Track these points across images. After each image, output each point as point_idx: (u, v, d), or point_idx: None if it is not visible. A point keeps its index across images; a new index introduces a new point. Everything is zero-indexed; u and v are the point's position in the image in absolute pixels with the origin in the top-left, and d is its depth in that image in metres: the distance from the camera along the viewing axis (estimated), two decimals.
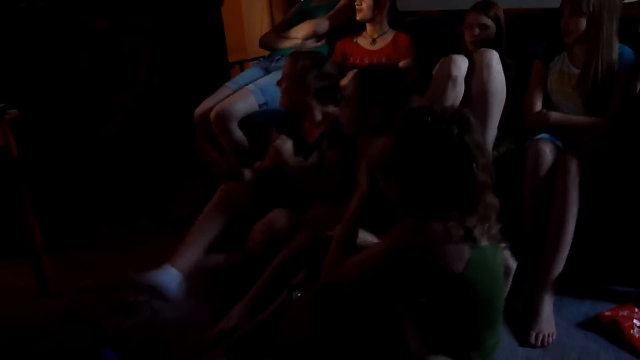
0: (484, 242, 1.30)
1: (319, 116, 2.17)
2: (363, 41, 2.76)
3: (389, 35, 2.72)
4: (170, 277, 1.94)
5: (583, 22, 2.11)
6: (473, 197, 1.28)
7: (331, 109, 2.17)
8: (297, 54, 2.24)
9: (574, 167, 1.95)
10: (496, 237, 1.34)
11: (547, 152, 2.04)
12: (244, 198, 2.11)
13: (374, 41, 2.72)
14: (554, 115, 2.23)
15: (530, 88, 2.32)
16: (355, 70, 2.17)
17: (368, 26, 2.74)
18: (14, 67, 2.49)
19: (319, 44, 2.87)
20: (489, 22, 2.39)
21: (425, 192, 1.29)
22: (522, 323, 1.93)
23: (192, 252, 2.00)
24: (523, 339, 1.89)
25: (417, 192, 1.30)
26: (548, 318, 1.94)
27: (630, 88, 2.06)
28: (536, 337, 1.89)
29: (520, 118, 2.33)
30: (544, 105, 2.28)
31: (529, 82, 2.33)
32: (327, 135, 2.12)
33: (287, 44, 2.88)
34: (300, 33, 2.88)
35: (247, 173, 2.13)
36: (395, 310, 0.85)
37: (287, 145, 2.07)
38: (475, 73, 2.22)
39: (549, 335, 1.90)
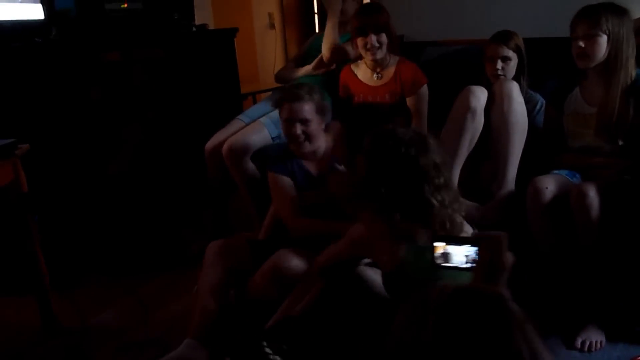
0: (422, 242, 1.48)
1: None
2: (364, 74, 2.68)
3: (392, 65, 2.63)
4: (191, 349, 1.94)
5: (603, 43, 2.03)
6: (428, 214, 1.47)
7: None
8: None
9: (591, 194, 1.94)
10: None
11: (546, 190, 2.04)
12: (240, 255, 2.14)
13: (377, 75, 2.64)
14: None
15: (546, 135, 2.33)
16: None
17: (371, 62, 2.64)
18: (25, 102, 2.53)
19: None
20: (511, 53, 2.40)
21: (388, 208, 1.48)
22: (571, 328, 2.01)
23: (206, 316, 2.00)
24: (569, 344, 1.98)
25: (383, 206, 1.49)
26: (597, 327, 2.00)
27: None
28: (582, 343, 1.97)
29: (551, 153, 2.31)
30: (564, 146, 2.26)
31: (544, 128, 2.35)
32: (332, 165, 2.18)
33: (301, 72, 2.94)
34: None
35: None
36: (505, 312, 0.87)
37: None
38: (495, 104, 2.28)
39: (596, 342, 1.96)
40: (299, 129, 2.13)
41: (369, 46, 2.55)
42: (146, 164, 2.95)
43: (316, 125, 2.16)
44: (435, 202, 1.47)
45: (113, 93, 2.81)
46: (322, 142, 2.22)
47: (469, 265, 1.27)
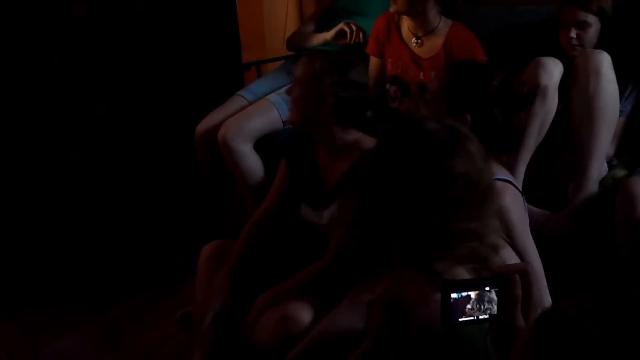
0: None
1: (339, 144, 1.95)
2: (406, 33, 2.48)
3: (441, 33, 2.40)
4: None
5: None
6: (452, 241, 1.28)
7: (356, 135, 1.96)
8: (315, 53, 2.10)
9: None
10: None
11: None
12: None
13: (418, 40, 2.44)
14: None
15: None
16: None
17: (409, 20, 2.47)
18: None
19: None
20: (591, 18, 2.22)
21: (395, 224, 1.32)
22: None
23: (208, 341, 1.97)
24: None
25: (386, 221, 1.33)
26: None
27: None
28: None
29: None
30: None
31: None
32: (352, 176, 1.94)
33: (318, 40, 2.75)
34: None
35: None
36: None
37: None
38: (578, 82, 2.13)
39: None
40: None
41: None
42: (118, 150, 2.81)
43: None
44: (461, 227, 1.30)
45: (79, 58, 2.65)
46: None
47: (485, 315, 1.15)
